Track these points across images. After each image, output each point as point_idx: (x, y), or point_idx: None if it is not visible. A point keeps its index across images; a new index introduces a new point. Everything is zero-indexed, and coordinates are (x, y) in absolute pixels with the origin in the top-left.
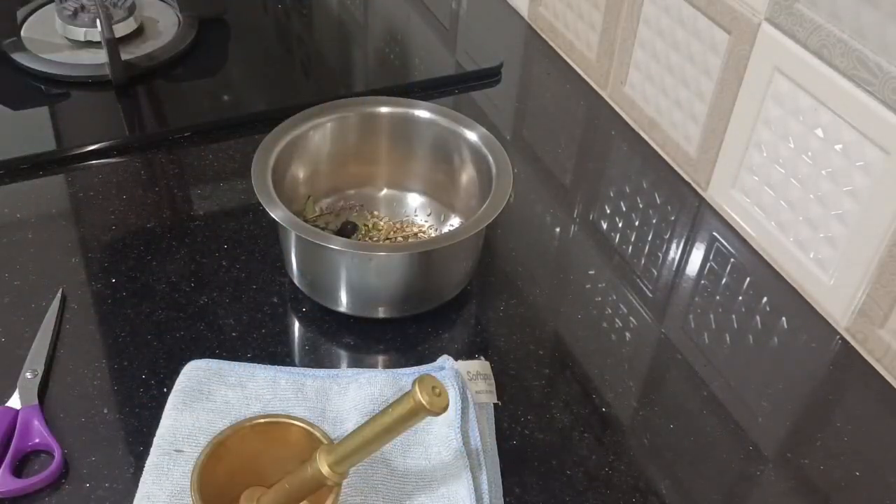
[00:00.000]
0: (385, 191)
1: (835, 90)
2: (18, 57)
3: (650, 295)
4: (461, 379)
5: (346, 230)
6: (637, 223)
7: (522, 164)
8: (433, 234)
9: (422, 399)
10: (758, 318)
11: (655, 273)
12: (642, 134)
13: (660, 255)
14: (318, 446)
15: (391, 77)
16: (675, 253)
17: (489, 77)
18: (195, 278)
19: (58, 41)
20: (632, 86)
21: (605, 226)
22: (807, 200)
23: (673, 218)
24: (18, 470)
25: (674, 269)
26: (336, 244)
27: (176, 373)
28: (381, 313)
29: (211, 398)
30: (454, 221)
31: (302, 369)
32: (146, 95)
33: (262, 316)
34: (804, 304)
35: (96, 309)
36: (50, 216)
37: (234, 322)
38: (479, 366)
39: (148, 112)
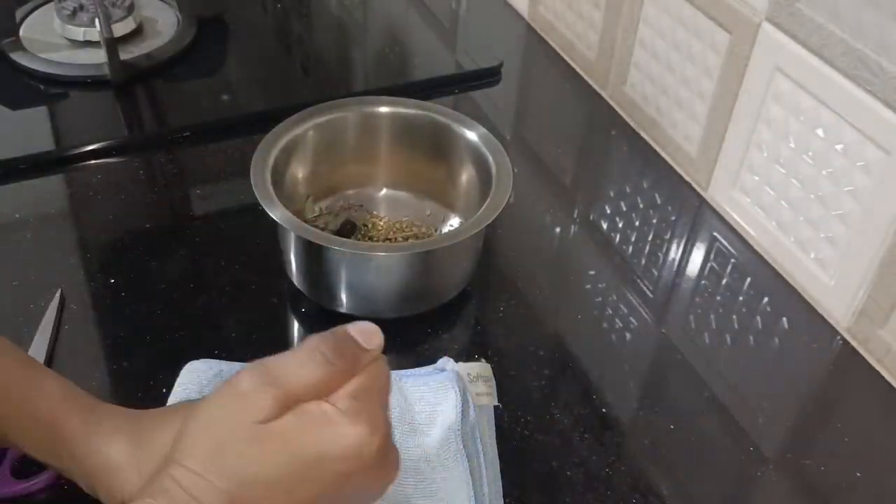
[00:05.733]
0: (384, 191)
1: (835, 90)
2: (17, 56)
3: (650, 295)
4: (462, 381)
5: (346, 230)
6: (637, 223)
7: (522, 164)
8: (433, 234)
9: None
10: (758, 318)
11: (656, 273)
12: (642, 134)
13: (660, 255)
14: None
15: (390, 77)
16: (675, 253)
17: (489, 77)
18: (194, 278)
19: (56, 41)
20: (632, 86)
21: (605, 226)
22: (807, 200)
23: (673, 218)
24: (18, 471)
25: (674, 269)
26: (336, 244)
27: (175, 374)
28: (380, 313)
29: None
30: (454, 221)
31: None
32: (145, 95)
33: (262, 316)
34: (805, 304)
35: (95, 309)
36: (49, 216)
37: (234, 322)
38: (479, 368)
39: (147, 112)
